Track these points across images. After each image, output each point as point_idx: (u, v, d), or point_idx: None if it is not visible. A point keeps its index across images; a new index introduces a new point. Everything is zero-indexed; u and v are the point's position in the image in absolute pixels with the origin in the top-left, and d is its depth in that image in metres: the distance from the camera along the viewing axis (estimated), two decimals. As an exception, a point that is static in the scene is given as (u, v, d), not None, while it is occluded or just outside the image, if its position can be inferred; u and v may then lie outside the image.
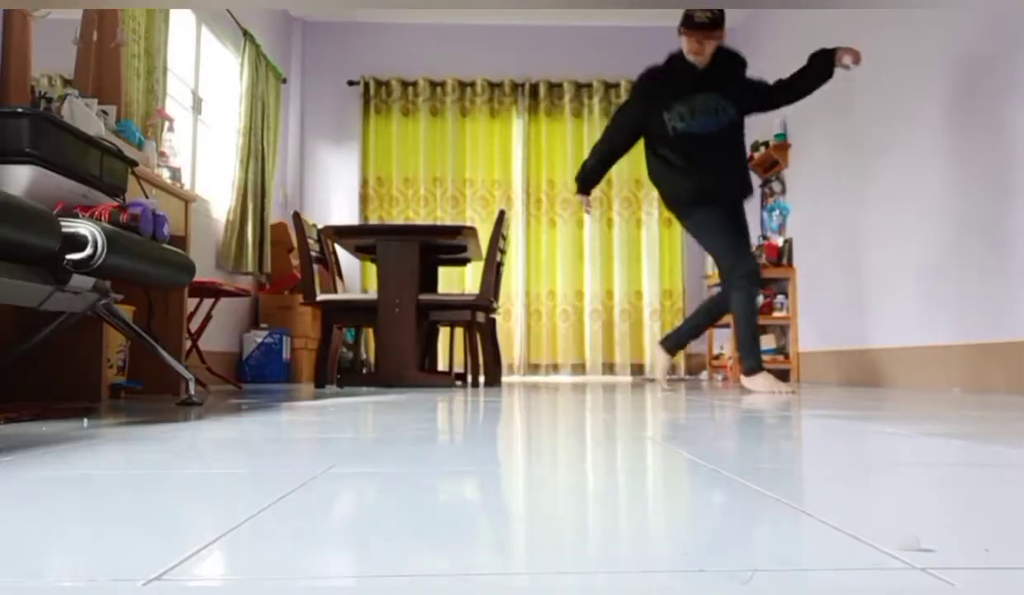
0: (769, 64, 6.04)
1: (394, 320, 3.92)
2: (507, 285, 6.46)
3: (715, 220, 3.34)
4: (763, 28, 6.19)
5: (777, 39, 5.93)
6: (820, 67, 3.40)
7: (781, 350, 5.61)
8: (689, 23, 3.32)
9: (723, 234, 3.33)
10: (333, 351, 4.10)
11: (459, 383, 4.37)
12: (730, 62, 3.45)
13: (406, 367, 3.90)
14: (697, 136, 3.35)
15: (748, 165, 3.58)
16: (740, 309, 3.26)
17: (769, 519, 0.67)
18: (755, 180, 6.26)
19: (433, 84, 6.58)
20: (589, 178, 3.65)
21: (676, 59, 3.42)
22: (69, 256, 1.93)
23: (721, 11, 3.35)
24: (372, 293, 4.22)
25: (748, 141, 6.32)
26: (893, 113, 4.25)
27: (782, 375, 5.64)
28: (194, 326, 3.79)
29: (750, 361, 3.30)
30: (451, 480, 0.89)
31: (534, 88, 6.63)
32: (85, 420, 1.77)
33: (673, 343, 3.58)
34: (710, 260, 6.11)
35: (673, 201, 3.44)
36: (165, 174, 3.34)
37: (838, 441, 1.31)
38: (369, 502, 0.76)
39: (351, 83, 6.56)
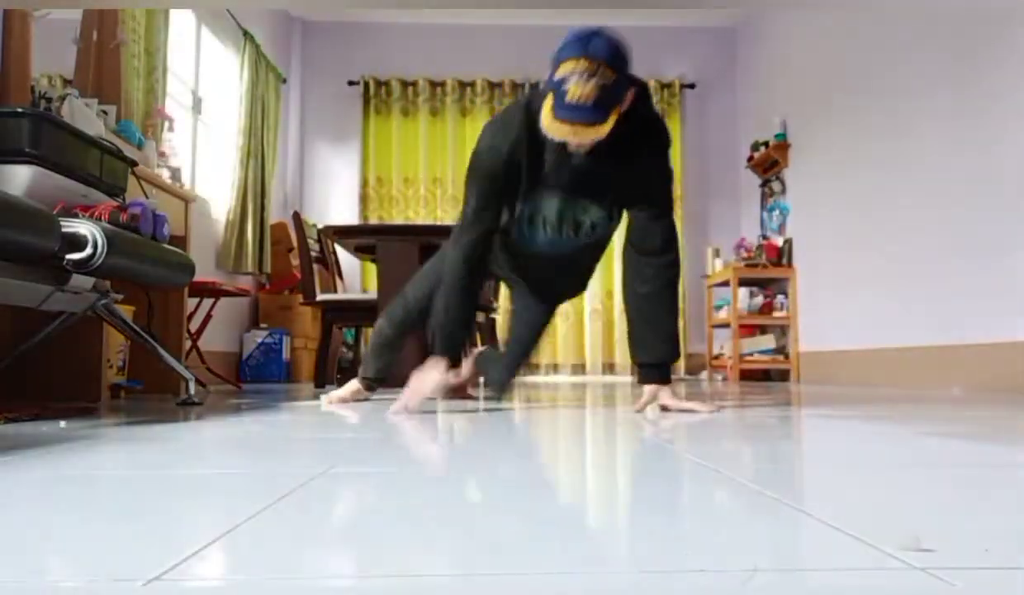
0: (769, 65, 6.04)
1: (394, 320, 3.91)
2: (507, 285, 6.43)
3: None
4: (763, 28, 6.19)
5: (778, 39, 5.93)
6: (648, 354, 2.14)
7: (781, 350, 5.60)
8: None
9: None
10: (333, 351, 4.10)
11: (459, 383, 4.36)
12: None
13: (406, 367, 3.89)
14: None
15: None
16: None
17: (769, 519, 0.67)
18: (754, 180, 6.25)
19: (433, 84, 6.57)
20: None
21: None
22: (69, 256, 1.93)
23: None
24: (372, 293, 4.21)
25: (748, 141, 6.31)
26: (894, 112, 4.25)
27: (782, 375, 5.64)
28: (194, 326, 3.79)
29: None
30: (449, 479, 0.89)
31: (534, 88, 6.62)
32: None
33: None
34: (710, 260, 6.10)
35: None
36: (165, 174, 3.34)
37: (837, 441, 1.31)
38: (368, 502, 0.76)
39: (351, 83, 6.56)
